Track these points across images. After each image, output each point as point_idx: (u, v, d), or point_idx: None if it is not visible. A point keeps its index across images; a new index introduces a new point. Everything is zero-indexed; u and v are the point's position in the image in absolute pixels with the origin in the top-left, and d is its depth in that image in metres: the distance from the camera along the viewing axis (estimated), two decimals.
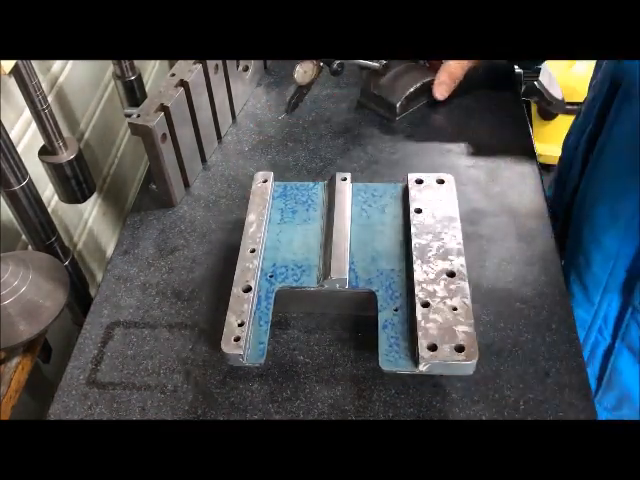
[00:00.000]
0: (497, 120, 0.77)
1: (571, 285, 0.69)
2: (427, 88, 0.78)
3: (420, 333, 0.49)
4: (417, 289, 0.52)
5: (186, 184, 0.72)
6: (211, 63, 0.71)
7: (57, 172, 0.72)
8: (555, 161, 0.83)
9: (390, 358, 0.50)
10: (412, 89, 0.76)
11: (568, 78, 1.56)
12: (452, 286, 0.52)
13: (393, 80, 0.77)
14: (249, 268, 0.56)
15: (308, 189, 0.64)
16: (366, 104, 0.80)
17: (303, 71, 0.73)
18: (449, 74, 0.75)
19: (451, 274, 0.53)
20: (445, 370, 0.49)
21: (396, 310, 0.53)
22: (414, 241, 0.56)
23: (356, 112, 0.81)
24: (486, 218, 0.66)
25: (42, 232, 0.69)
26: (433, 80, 0.78)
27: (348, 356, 0.55)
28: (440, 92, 0.76)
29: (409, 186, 0.61)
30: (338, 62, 0.72)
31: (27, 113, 0.72)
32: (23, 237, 0.76)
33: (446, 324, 0.50)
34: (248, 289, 0.54)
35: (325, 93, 0.83)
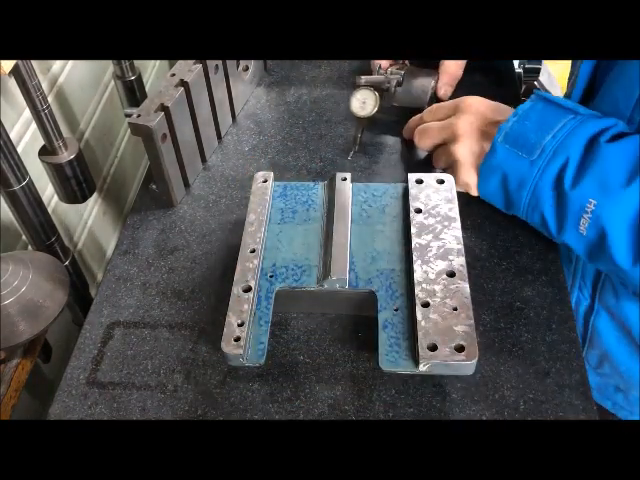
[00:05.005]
0: None
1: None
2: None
3: (420, 333, 0.49)
4: (417, 289, 0.52)
5: (186, 184, 0.72)
6: (211, 63, 0.71)
7: (57, 172, 0.72)
8: None
9: (390, 358, 0.50)
10: (431, 89, 0.74)
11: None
12: (452, 286, 0.52)
13: (407, 86, 0.75)
14: (249, 268, 0.56)
15: (308, 189, 0.64)
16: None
17: (361, 102, 0.68)
18: (449, 75, 0.76)
19: (451, 274, 0.53)
20: (445, 370, 0.49)
21: (396, 310, 0.53)
22: (414, 241, 0.56)
23: None
24: (485, 217, 0.66)
25: (42, 232, 0.69)
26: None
27: (348, 356, 0.55)
28: (444, 93, 0.77)
29: (409, 186, 0.61)
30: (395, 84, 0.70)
31: (27, 113, 0.72)
32: (23, 237, 0.76)
33: (446, 324, 0.50)
34: (248, 289, 0.54)
35: (325, 93, 0.83)
